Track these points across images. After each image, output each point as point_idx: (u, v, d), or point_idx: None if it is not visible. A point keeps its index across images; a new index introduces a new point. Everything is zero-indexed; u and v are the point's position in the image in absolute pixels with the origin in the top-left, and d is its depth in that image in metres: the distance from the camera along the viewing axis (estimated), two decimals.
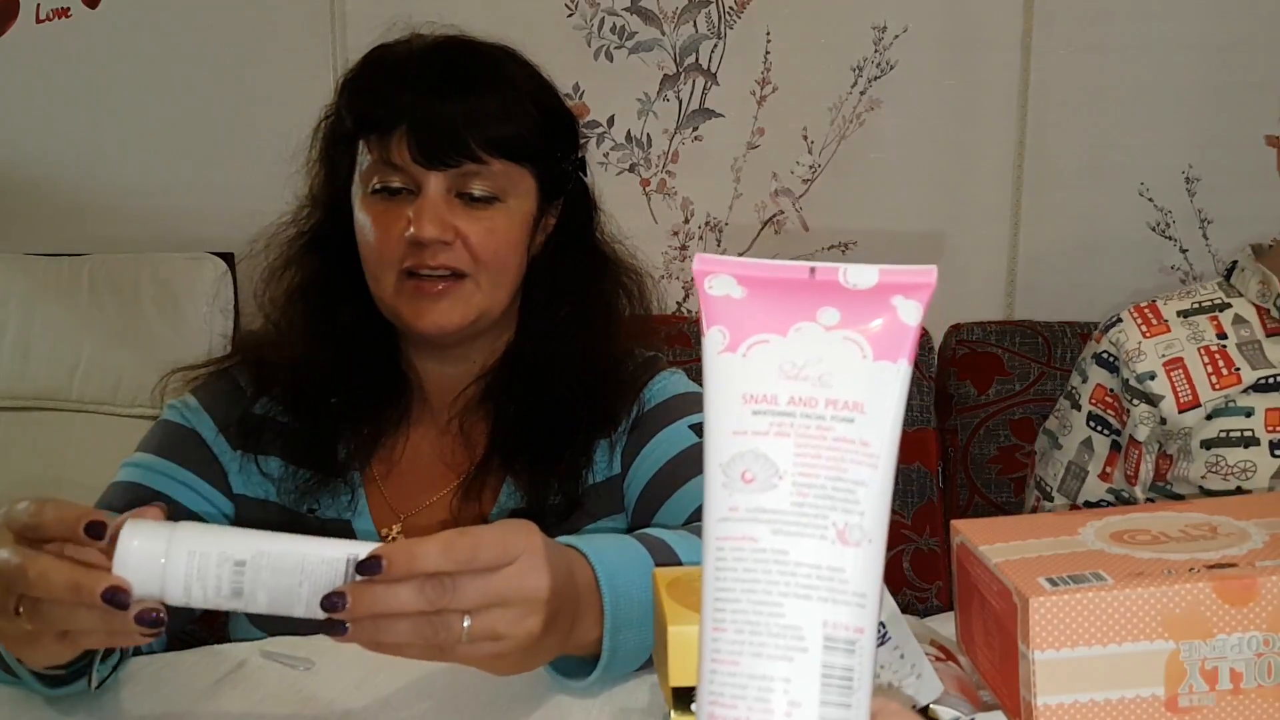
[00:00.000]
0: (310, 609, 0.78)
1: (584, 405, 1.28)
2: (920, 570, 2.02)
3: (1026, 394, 2.06)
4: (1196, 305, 1.40)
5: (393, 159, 1.18)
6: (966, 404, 2.08)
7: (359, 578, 0.78)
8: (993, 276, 2.41)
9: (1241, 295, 1.39)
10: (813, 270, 0.49)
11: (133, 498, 1.20)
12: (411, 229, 1.18)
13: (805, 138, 2.37)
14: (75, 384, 2.19)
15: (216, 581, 0.77)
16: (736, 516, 0.47)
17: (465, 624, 0.79)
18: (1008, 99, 2.33)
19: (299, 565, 0.79)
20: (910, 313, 0.49)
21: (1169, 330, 1.39)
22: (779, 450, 0.47)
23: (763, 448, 0.48)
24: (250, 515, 1.27)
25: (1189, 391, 1.36)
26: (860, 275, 0.49)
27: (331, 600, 0.77)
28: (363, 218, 1.23)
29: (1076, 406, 1.47)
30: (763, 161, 2.38)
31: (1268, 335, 1.35)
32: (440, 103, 1.18)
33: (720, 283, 0.50)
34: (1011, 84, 2.33)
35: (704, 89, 2.36)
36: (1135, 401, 1.39)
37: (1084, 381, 1.46)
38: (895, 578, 2.01)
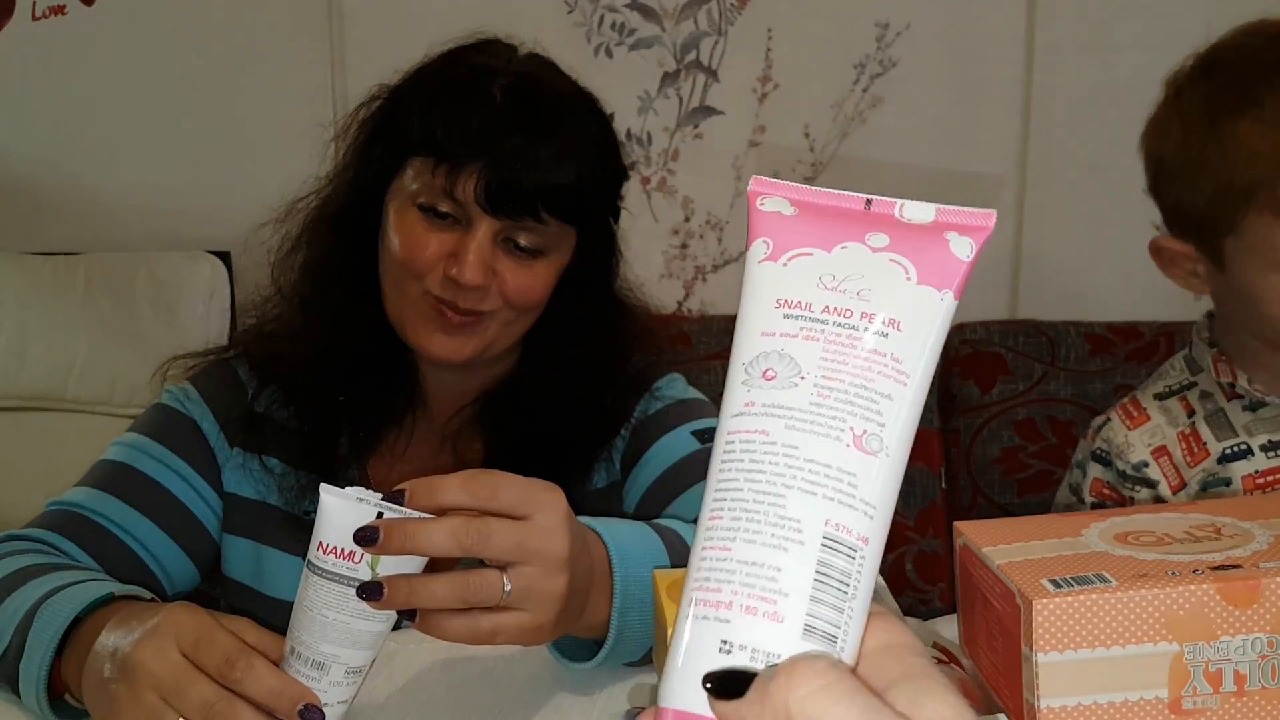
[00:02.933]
0: (371, 616, 0.80)
1: (582, 434, 1.28)
2: (923, 572, 2.02)
3: (1030, 394, 2.05)
4: (1168, 389, 1.44)
5: (456, 193, 1.16)
6: (970, 404, 2.07)
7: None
8: (997, 276, 2.40)
9: (1204, 370, 1.42)
10: (869, 202, 0.48)
11: (121, 478, 1.20)
12: (455, 270, 1.16)
13: (807, 135, 2.36)
14: (71, 384, 2.18)
15: (298, 675, 0.81)
16: (751, 411, 0.45)
17: (506, 587, 0.80)
18: (1011, 96, 2.33)
19: (308, 607, 0.81)
20: (963, 248, 0.47)
21: (1149, 419, 1.43)
22: (805, 352, 0.45)
23: (789, 348, 0.46)
24: (242, 516, 1.26)
25: (1175, 475, 1.39)
26: (916, 211, 0.47)
27: (364, 533, 0.77)
28: (399, 227, 1.20)
29: (1081, 501, 1.49)
30: (764, 159, 2.37)
31: (1229, 400, 1.38)
32: (518, 156, 1.15)
33: (773, 202, 0.49)
34: (1015, 81, 2.32)
35: (705, 86, 2.35)
36: (1136, 488, 1.42)
37: (1084, 477, 1.50)
38: (898, 579, 2.01)
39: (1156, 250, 1.33)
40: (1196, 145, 1.22)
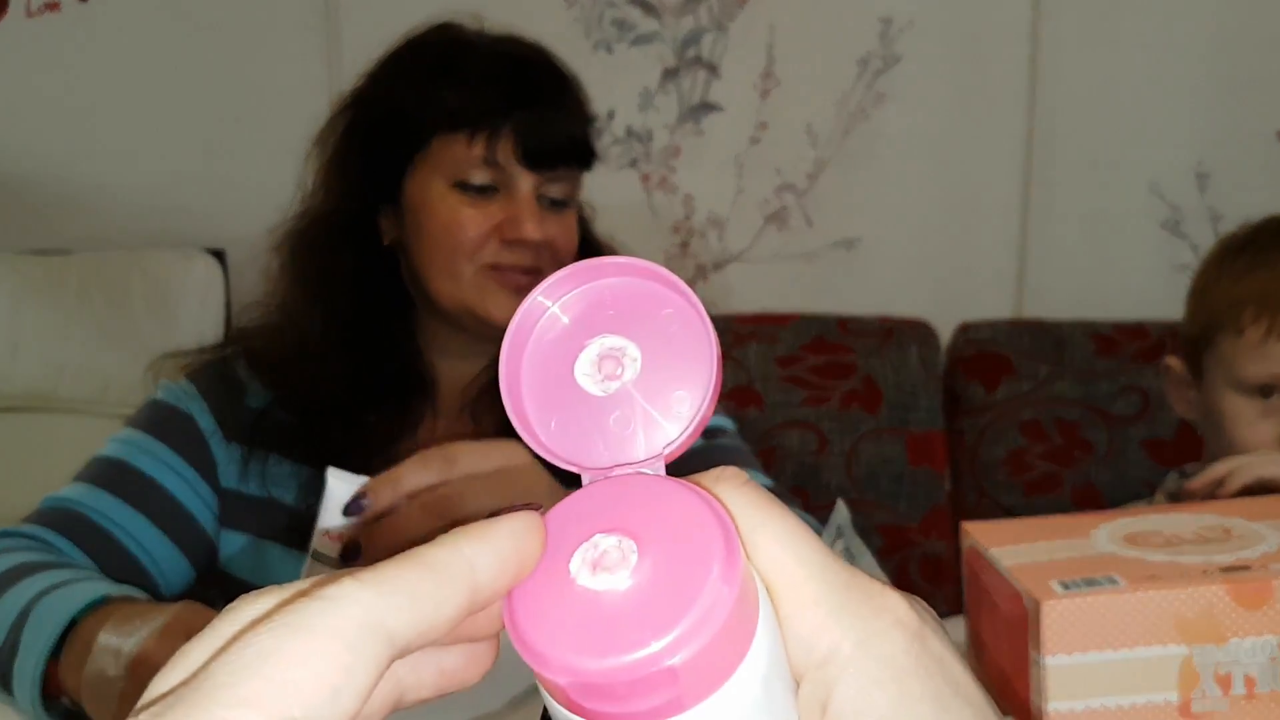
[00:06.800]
0: None
1: None
2: (927, 575, 2.01)
3: (1036, 395, 2.04)
4: None
5: (496, 157, 1.19)
6: (975, 405, 2.06)
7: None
8: (1002, 274, 2.40)
9: None
10: None
11: (115, 474, 1.20)
12: (515, 233, 1.20)
13: (809, 132, 2.35)
14: (64, 384, 2.18)
15: None
16: None
17: None
18: (1016, 93, 2.33)
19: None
20: None
21: None
22: None
23: None
24: (241, 512, 1.25)
25: None
26: None
27: (354, 506, 0.79)
28: (440, 212, 1.22)
29: None
30: (766, 156, 2.37)
31: None
32: (542, 106, 1.21)
33: None
34: (1020, 78, 2.32)
35: (705, 83, 2.35)
36: None
37: None
38: (902, 583, 1.99)
39: (1165, 368, 1.43)
40: (1203, 278, 1.38)
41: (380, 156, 1.24)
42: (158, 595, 1.17)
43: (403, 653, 0.29)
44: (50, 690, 0.93)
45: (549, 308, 0.38)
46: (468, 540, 0.32)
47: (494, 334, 1.26)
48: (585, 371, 0.37)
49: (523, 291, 1.22)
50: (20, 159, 2.40)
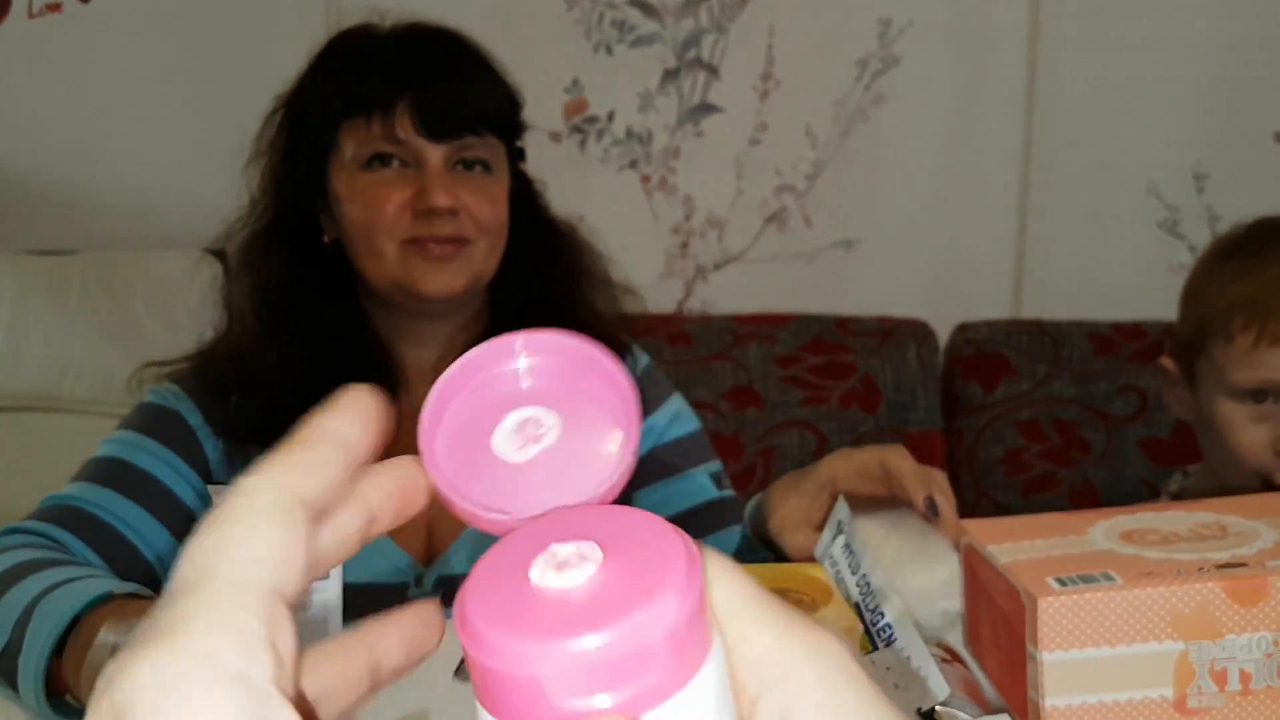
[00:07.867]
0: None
1: None
2: None
3: (1034, 395, 2.04)
4: None
5: (396, 134, 1.22)
6: (973, 405, 2.06)
7: None
8: (1000, 275, 2.40)
9: None
10: None
11: (113, 471, 1.21)
12: (422, 204, 1.23)
13: (809, 133, 2.35)
14: (67, 383, 2.18)
15: None
16: None
17: None
18: (1014, 94, 2.33)
19: None
20: None
21: None
22: None
23: None
24: None
25: None
26: None
27: None
28: (356, 193, 1.26)
29: None
30: (765, 157, 2.37)
31: None
32: (440, 80, 1.24)
33: None
34: (1018, 79, 2.32)
35: (705, 84, 2.35)
36: None
37: None
38: None
39: (1161, 369, 1.44)
40: (1195, 282, 1.38)
41: (302, 156, 1.29)
42: (160, 587, 1.18)
43: (316, 512, 0.34)
44: (54, 687, 0.94)
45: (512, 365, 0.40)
46: (321, 415, 0.37)
47: (429, 309, 1.30)
48: (504, 441, 0.38)
49: (445, 261, 1.24)
50: (23, 159, 2.40)
